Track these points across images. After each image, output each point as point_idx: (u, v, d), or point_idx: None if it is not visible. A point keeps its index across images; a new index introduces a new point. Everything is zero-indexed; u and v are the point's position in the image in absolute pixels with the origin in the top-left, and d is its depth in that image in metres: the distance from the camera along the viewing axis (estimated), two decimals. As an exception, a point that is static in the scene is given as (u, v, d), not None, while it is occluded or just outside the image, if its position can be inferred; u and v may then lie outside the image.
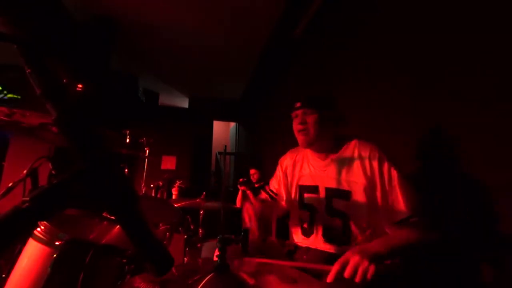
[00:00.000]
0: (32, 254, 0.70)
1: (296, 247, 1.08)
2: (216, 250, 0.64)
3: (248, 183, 1.25)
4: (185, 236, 1.66)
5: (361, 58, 1.76)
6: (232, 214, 2.49)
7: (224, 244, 0.63)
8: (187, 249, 1.60)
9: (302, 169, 1.11)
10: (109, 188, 0.37)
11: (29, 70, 0.33)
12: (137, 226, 0.39)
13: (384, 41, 1.54)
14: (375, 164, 0.92)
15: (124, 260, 0.70)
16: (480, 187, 0.95)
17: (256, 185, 1.25)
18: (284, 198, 1.18)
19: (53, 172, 0.92)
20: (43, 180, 0.98)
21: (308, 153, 1.11)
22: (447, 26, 1.14)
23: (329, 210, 1.00)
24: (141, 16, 3.07)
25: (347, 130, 1.06)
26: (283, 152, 1.26)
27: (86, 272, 0.64)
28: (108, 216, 0.89)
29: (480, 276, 0.93)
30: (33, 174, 0.93)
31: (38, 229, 0.71)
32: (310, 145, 1.02)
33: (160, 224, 1.54)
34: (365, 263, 0.70)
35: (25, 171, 0.91)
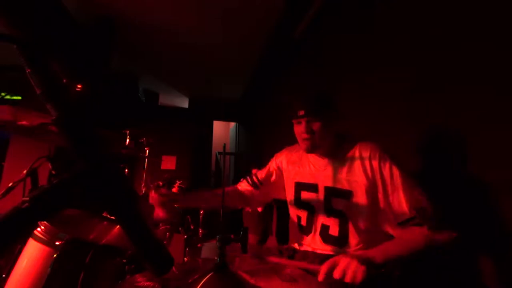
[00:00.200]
0: (32, 254, 0.70)
1: (295, 251, 1.07)
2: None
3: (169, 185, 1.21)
4: (185, 236, 1.66)
5: (361, 58, 1.76)
6: (232, 214, 2.49)
7: (224, 244, 0.63)
8: (187, 249, 1.60)
9: (300, 166, 1.09)
10: (109, 188, 0.37)
11: (29, 70, 0.34)
12: (137, 226, 0.39)
13: (384, 41, 1.54)
14: (376, 163, 0.91)
15: (124, 260, 0.70)
16: (480, 187, 0.95)
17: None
18: (268, 190, 1.19)
19: (53, 172, 0.92)
20: (43, 180, 0.98)
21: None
22: (447, 26, 1.14)
23: (327, 210, 0.98)
24: (141, 16, 3.07)
25: (346, 127, 1.05)
26: (283, 152, 1.26)
27: (86, 272, 0.65)
28: (108, 216, 0.89)
29: (480, 276, 0.93)
30: (33, 174, 0.93)
31: (38, 229, 0.71)
32: (315, 150, 1.00)
33: (160, 224, 1.54)
34: (355, 264, 0.67)
35: (25, 171, 0.91)
